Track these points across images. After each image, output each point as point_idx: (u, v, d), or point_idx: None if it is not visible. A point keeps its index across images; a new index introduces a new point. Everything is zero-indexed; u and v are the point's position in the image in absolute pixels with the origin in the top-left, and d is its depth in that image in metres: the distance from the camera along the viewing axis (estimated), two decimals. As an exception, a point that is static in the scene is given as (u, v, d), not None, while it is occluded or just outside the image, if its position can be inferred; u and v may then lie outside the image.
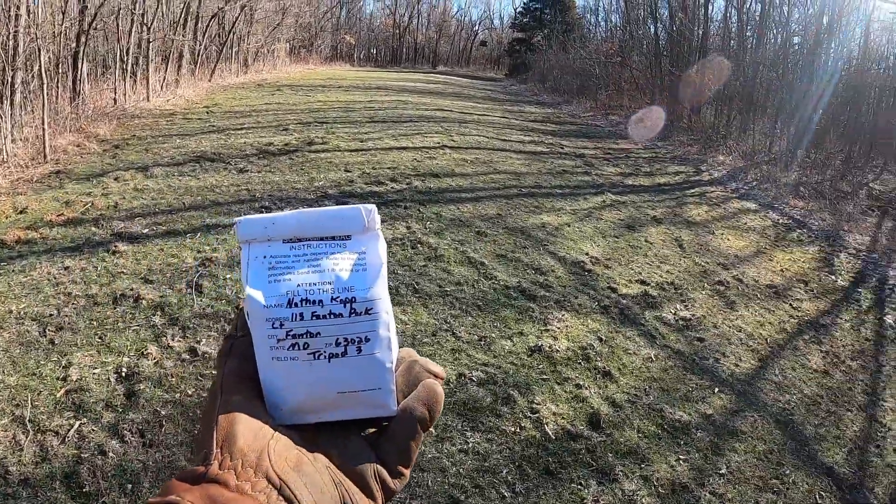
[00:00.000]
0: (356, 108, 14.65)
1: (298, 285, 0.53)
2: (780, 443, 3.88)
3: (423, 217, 6.81)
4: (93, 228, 5.82)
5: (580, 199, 8.56)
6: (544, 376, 4.16)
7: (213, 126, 11.06)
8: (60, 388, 3.57)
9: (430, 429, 0.55)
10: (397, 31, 54.36)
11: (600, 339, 4.74)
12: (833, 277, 6.92)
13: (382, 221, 0.57)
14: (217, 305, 4.59)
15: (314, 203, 6.87)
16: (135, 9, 12.78)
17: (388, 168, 8.71)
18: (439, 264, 5.69)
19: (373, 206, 0.57)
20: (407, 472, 0.53)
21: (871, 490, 3.64)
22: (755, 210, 9.43)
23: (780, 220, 9.02)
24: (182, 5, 16.49)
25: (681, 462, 3.55)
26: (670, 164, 12.36)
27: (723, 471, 3.54)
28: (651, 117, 16.28)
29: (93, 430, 3.26)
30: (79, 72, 10.68)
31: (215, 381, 0.54)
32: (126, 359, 3.87)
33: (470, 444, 3.43)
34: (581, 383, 4.13)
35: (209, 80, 18.00)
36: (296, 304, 0.52)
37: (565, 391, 4.04)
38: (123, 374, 3.73)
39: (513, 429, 3.61)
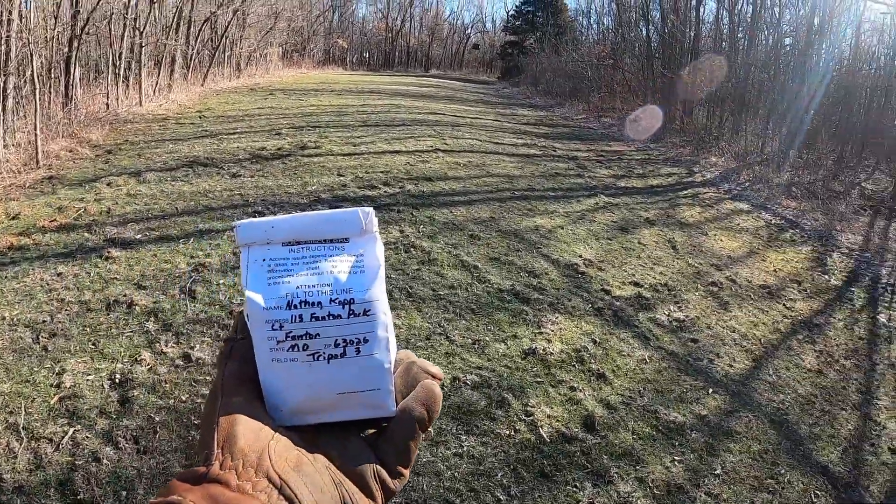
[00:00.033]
0: (349, 112, 14.64)
1: (297, 287, 0.54)
2: (774, 442, 3.89)
3: (416, 221, 6.81)
4: (86, 234, 5.80)
5: (573, 202, 8.58)
6: (538, 379, 4.17)
7: (206, 131, 11.04)
8: (54, 394, 3.55)
9: (429, 429, 0.55)
10: (390, 35, 54.33)
11: (594, 342, 4.74)
12: (826, 277, 6.95)
13: None
14: (210, 311, 4.58)
15: (307, 208, 6.86)
16: (127, 13, 12.76)
17: (381, 172, 8.71)
18: (433, 268, 5.69)
19: (370, 209, 0.58)
20: (406, 472, 0.54)
21: (866, 488, 3.65)
22: (748, 211, 9.46)
23: (773, 221, 9.06)
24: (174, 10, 16.48)
25: (676, 463, 3.56)
26: (663, 166, 12.39)
27: (718, 471, 3.55)
28: (648, 116, 16.32)
29: (87, 436, 3.25)
30: (71, 77, 10.64)
31: (215, 384, 0.54)
32: (120, 365, 3.86)
33: (464, 448, 3.43)
34: (575, 385, 4.13)
35: (202, 85, 17.96)
36: (295, 306, 0.53)
37: (559, 394, 4.04)
38: (117, 380, 3.72)
39: (507, 432, 3.61)
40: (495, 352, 4.43)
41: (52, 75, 10.07)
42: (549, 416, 3.79)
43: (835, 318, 5.91)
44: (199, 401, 3.60)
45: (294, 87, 20.71)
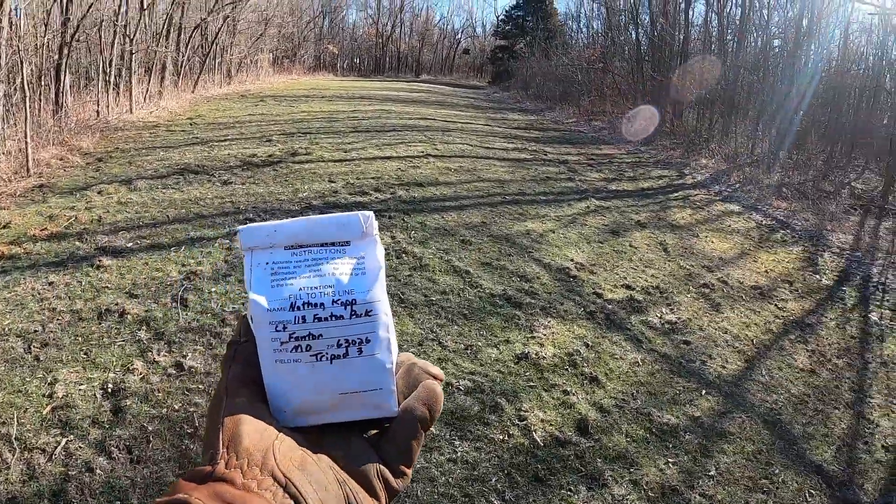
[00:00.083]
0: (340, 118, 14.66)
1: (300, 289, 0.55)
2: (768, 443, 3.90)
3: (407, 226, 6.81)
4: (77, 243, 5.78)
5: (564, 206, 8.60)
6: (531, 383, 4.17)
7: (197, 138, 11.03)
8: (46, 404, 3.53)
9: (431, 429, 0.56)
10: (380, 41, 54.38)
11: (587, 345, 4.75)
12: (817, 277, 6.99)
13: None
14: (203, 319, 4.57)
15: (299, 214, 6.85)
16: (117, 20, 12.73)
17: (372, 178, 8.71)
18: (424, 273, 5.69)
19: (370, 213, 0.59)
20: (409, 471, 0.54)
21: (861, 487, 3.66)
22: (739, 212, 9.50)
23: (764, 222, 9.10)
24: (165, 16, 16.47)
25: (670, 465, 3.56)
26: (653, 169, 12.44)
27: (712, 472, 3.56)
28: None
29: (80, 447, 3.23)
30: (61, 84, 10.61)
31: (220, 385, 0.55)
32: (112, 374, 3.84)
33: (458, 454, 3.43)
34: (568, 389, 4.14)
35: (192, 92, 17.94)
36: (298, 308, 0.54)
37: (553, 398, 4.04)
38: (109, 389, 3.70)
39: (501, 437, 3.61)
40: (488, 357, 4.43)
41: (43, 83, 10.05)
42: (542, 421, 3.79)
43: (826, 317, 5.94)
44: (191, 410, 3.58)
45: (285, 94, 20.72)
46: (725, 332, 5.31)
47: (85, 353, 4.05)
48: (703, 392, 4.35)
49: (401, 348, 0.60)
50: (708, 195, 10.48)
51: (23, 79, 8.17)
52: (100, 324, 4.41)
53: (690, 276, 6.46)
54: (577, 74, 24.10)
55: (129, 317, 4.51)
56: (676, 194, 10.33)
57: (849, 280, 7.03)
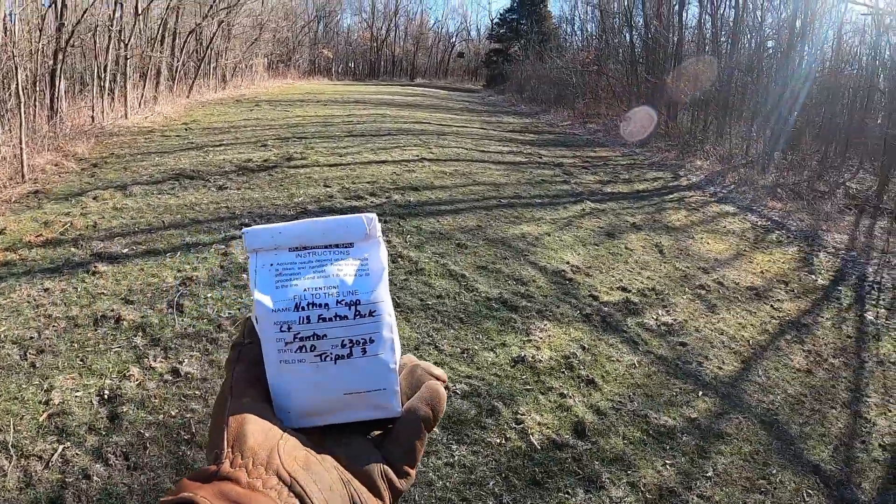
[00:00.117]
0: (334, 123, 14.66)
1: (305, 290, 0.55)
2: (765, 443, 3.91)
3: (403, 231, 6.81)
4: (72, 249, 5.77)
5: (560, 209, 8.61)
6: (528, 387, 4.17)
7: (192, 143, 11.01)
8: (43, 411, 3.53)
9: (434, 429, 0.56)
10: (375, 45, 54.44)
11: (583, 348, 4.75)
12: (813, 277, 7.00)
13: None
14: (199, 325, 4.56)
15: (294, 219, 6.85)
16: (112, 26, 12.73)
17: (368, 182, 8.71)
18: (420, 278, 5.69)
19: (373, 215, 0.60)
20: (412, 471, 0.54)
21: (858, 486, 3.67)
22: (734, 213, 9.53)
23: (759, 223, 9.12)
24: (159, 21, 16.45)
25: (667, 467, 3.57)
26: (648, 171, 12.46)
27: (709, 473, 3.56)
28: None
29: (77, 453, 3.22)
30: (56, 90, 10.61)
31: (224, 386, 0.55)
32: (108, 381, 3.83)
33: (456, 458, 3.42)
34: (565, 392, 4.14)
35: (187, 97, 17.93)
36: (303, 308, 0.54)
37: (549, 401, 4.05)
38: (106, 396, 3.69)
39: (498, 440, 3.61)
40: (484, 360, 4.43)
41: (37, 88, 10.03)
42: (539, 424, 3.79)
43: (822, 317, 5.95)
44: (188, 416, 3.58)
45: (280, 98, 20.71)
46: (721, 334, 5.32)
47: (81, 360, 4.04)
48: (700, 393, 4.36)
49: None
50: (703, 196, 10.51)
51: (17, 84, 8.16)
52: (96, 330, 4.40)
53: (686, 277, 6.47)
54: (572, 77, 24.14)
55: (125, 323, 4.50)
56: (671, 196, 10.36)
57: (844, 280, 7.05)
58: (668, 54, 18.01)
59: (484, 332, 4.84)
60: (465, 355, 4.47)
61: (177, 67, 17.70)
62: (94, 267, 5.38)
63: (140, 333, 4.39)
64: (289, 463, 0.47)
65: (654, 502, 3.29)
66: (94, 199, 7.25)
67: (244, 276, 5.35)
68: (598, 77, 22.59)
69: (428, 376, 0.58)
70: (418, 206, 7.81)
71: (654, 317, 5.45)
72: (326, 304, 0.55)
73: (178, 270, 5.44)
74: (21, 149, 7.91)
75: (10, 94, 8.49)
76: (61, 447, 3.26)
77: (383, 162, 10.20)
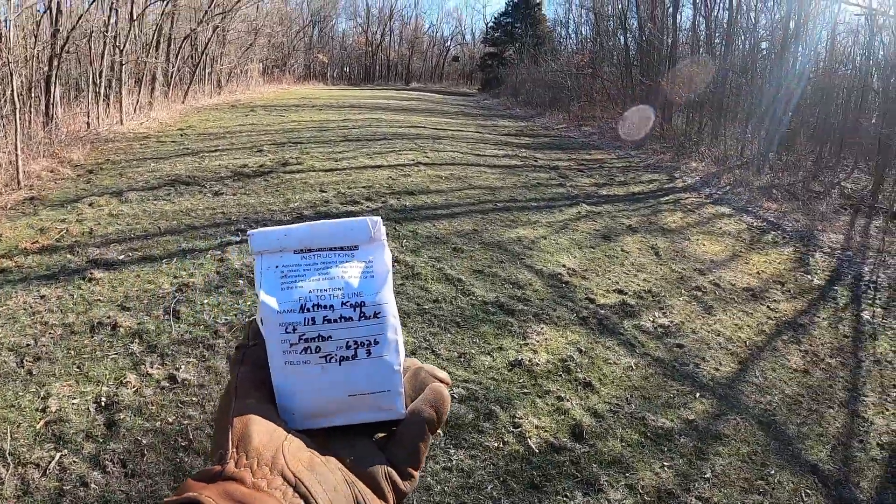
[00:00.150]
0: (330, 128, 14.67)
1: (310, 291, 0.56)
2: (763, 444, 3.91)
3: (399, 235, 6.81)
4: (68, 256, 5.76)
5: (555, 212, 8.62)
6: (525, 390, 4.17)
7: (188, 149, 11.01)
8: (40, 419, 3.52)
9: (438, 431, 0.56)
10: (370, 49, 54.50)
11: (580, 351, 4.75)
12: (809, 277, 7.01)
13: None
14: (195, 331, 4.56)
15: (290, 224, 6.85)
16: (107, 31, 12.72)
17: (364, 187, 8.72)
18: (416, 282, 5.69)
19: (378, 218, 0.60)
20: (416, 473, 0.54)
21: (857, 485, 3.67)
22: (729, 214, 9.54)
23: (755, 224, 9.14)
24: (154, 27, 16.46)
25: (665, 469, 3.57)
26: (644, 173, 12.48)
27: (708, 475, 3.56)
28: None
29: (74, 461, 3.21)
30: (51, 96, 10.59)
31: (228, 387, 0.55)
32: (105, 388, 3.82)
33: (453, 462, 3.42)
34: (562, 395, 4.14)
35: (183, 102, 17.92)
36: (308, 310, 0.55)
37: (547, 404, 4.04)
38: (103, 403, 3.68)
39: (496, 444, 3.61)
40: (481, 364, 4.43)
41: (33, 94, 10.02)
42: (537, 427, 3.79)
43: (819, 317, 5.96)
44: (185, 422, 3.57)
45: (275, 103, 20.73)
46: (718, 335, 5.32)
47: (78, 367, 4.03)
48: (697, 395, 4.36)
49: None
50: (698, 198, 10.52)
51: (13, 90, 8.15)
52: (92, 337, 4.39)
53: (682, 279, 6.48)
54: (567, 80, 24.21)
55: (121, 329, 4.49)
56: (667, 198, 10.37)
57: (840, 279, 7.06)
58: (663, 56, 18.06)
59: (481, 335, 4.84)
60: (462, 359, 4.47)
61: (172, 73, 17.69)
62: (91, 273, 5.37)
63: (136, 340, 4.38)
64: (293, 464, 0.47)
65: (653, 504, 3.29)
66: (90, 205, 7.24)
67: (240, 281, 5.35)
68: (592, 80, 22.62)
69: (432, 379, 0.59)
70: (414, 211, 7.82)
71: (651, 319, 5.45)
72: (332, 306, 0.55)
73: (175, 277, 5.44)
74: (17, 155, 7.90)
75: (5, 101, 8.47)
76: (58, 455, 3.25)
77: (379, 166, 10.21)
